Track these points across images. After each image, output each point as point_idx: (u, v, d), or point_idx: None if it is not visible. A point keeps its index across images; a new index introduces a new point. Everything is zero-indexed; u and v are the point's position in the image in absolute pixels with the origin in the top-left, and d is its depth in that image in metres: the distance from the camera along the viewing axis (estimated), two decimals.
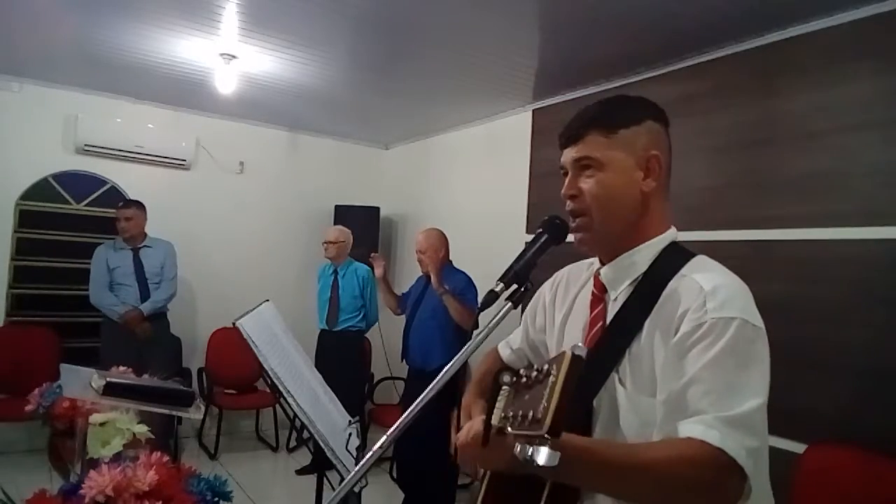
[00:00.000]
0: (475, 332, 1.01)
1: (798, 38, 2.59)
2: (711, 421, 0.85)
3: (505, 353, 1.37)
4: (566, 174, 1.10)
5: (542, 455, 0.68)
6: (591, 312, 1.12)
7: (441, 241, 3.58)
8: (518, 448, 0.70)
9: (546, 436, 0.66)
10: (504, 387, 0.77)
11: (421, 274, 3.73)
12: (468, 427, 0.94)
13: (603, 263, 1.12)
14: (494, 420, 0.76)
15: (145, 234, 4.21)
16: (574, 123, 1.09)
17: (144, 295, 4.07)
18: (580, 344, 0.70)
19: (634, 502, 0.92)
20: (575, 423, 0.94)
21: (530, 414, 0.69)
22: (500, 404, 0.77)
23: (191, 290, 4.85)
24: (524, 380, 0.74)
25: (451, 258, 3.65)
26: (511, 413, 0.73)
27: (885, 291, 2.22)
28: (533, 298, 1.32)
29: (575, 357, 0.68)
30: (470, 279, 3.49)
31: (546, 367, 0.71)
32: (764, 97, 2.70)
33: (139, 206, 4.18)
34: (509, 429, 0.73)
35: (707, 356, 0.90)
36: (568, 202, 1.09)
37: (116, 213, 4.13)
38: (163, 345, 4.16)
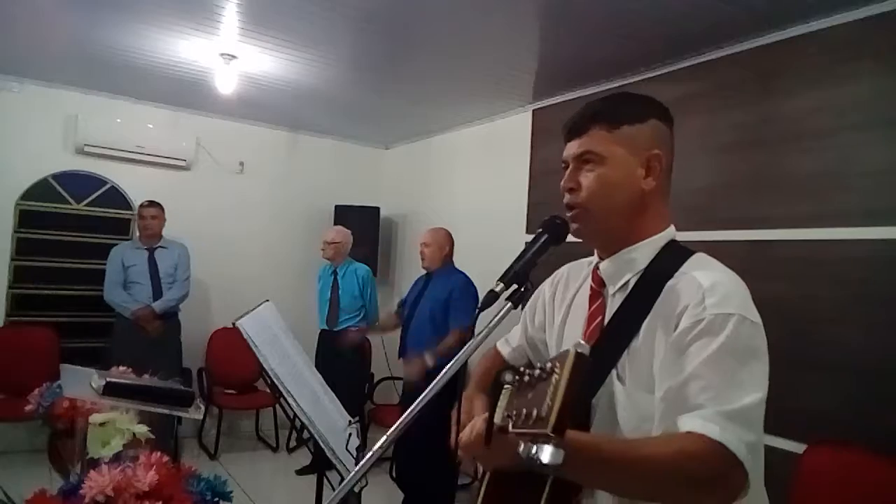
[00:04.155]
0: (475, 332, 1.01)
1: (798, 38, 2.59)
2: (711, 415, 0.85)
3: (505, 350, 1.38)
4: (567, 167, 1.11)
5: (547, 453, 0.68)
6: (590, 307, 1.12)
7: (446, 240, 3.61)
8: (522, 446, 0.70)
9: (550, 434, 0.66)
10: (506, 385, 0.77)
11: (419, 275, 3.74)
12: (471, 426, 0.94)
13: (601, 258, 1.13)
14: (497, 419, 0.76)
15: (161, 235, 4.29)
16: (578, 117, 1.10)
17: (157, 294, 4.16)
18: (582, 342, 0.70)
19: (635, 497, 0.93)
20: (573, 421, 0.95)
21: (534, 412, 0.69)
22: (502, 403, 0.76)
23: (191, 290, 4.84)
24: (526, 378, 0.74)
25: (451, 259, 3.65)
26: (514, 412, 0.73)
27: (885, 291, 2.22)
28: (533, 296, 1.32)
29: (579, 355, 0.68)
30: (468, 280, 3.49)
31: (549, 365, 0.71)
32: (764, 97, 2.70)
33: (160, 206, 4.26)
34: (511, 427, 0.72)
35: (706, 352, 0.90)
36: (566, 195, 1.09)
37: (139, 212, 4.23)
38: (172, 345, 4.22)
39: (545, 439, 0.67)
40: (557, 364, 0.70)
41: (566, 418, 0.66)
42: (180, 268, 4.29)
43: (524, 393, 0.73)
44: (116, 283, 4.12)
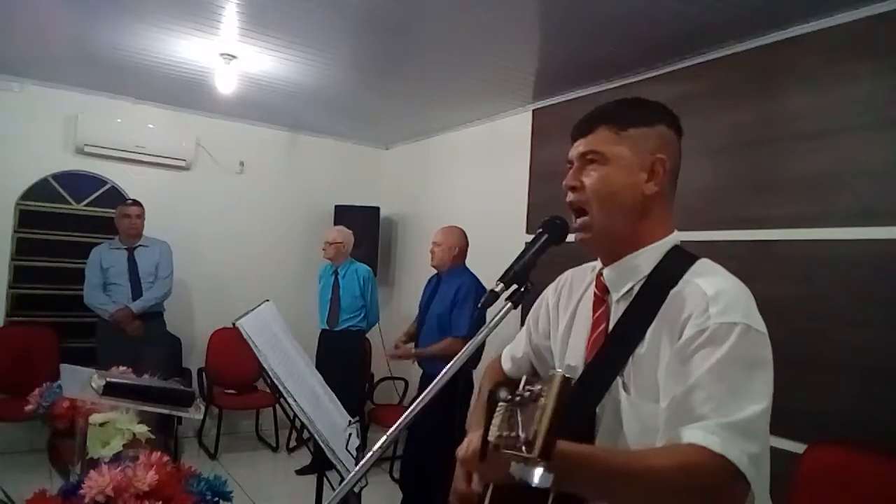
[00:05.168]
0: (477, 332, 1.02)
1: (798, 38, 2.59)
2: (712, 427, 0.85)
3: (507, 366, 1.37)
4: (571, 166, 1.11)
5: (536, 476, 0.69)
6: (594, 314, 1.12)
7: (458, 240, 3.58)
8: (513, 467, 0.72)
9: (538, 459, 0.68)
10: (500, 403, 0.78)
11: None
12: (467, 442, 0.95)
13: (605, 264, 1.12)
14: (491, 437, 0.77)
15: (141, 234, 4.23)
16: (587, 117, 1.11)
17: (137, 294, 4.07)
18: (571, 364, 0.71)
19: None
20: (577, 430, 0.95)
21: (522, 435, 0.70)
22: (496, 420, 0.77)
23: (191, 290, 4.85)
24: (518, 398, 0.75)
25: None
26: (505, 432, 0.74)
27: (886, 291, 2.22)
28: (536, 302, 1.31)
29: (565, 379, 0.70)
30: (475, 281, 3.46)
31: (538, 387, 0.73)
32: (764, 97, 2.70)
33: (142, 205, 4.21)
34: (503, 448, 0.74)
35: (709, 362, 0.90)
36: (568, 193, 1.09)
37: (123, 212, 4.14)
38: (158, 344, 4.15)
39: (534, 463, 0.69)
40: (545, 387, 0.71)
41: (552, 443, 0.68)
42: (162, 266, 4.21)
43: (516, 412, 0.75)
44: (96, 286, 4.03)
